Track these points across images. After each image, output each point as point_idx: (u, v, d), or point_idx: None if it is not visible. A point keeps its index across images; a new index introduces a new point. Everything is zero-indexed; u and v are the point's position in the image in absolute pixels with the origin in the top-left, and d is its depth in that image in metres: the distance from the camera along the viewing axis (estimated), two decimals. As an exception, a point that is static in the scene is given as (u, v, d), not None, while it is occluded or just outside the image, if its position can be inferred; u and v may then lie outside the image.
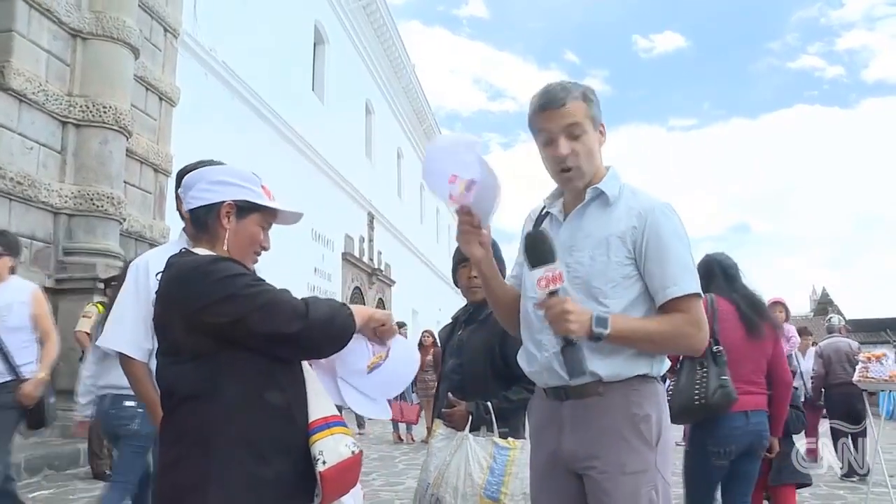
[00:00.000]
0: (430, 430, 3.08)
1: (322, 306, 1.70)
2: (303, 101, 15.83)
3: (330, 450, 1.64)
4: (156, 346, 2.30)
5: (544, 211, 2.07)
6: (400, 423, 11.23)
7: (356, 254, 19.02)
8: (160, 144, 9.86)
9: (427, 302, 26.47)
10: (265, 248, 1.85)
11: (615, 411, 1.86)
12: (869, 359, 5.60)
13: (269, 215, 1.83)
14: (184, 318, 1.65)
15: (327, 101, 17.31)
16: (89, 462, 6.45)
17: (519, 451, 2.58)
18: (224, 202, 1.76)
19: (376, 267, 20.89)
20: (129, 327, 2.45)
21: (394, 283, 23.05)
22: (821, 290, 41.99)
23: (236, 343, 1.63)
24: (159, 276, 1.78)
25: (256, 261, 1.85)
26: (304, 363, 1.79)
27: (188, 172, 2.45)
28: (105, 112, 8.12)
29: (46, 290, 7.54)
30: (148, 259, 2.52)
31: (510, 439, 2.64)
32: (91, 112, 8.07)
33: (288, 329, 1.62)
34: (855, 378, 5.63)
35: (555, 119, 1.90)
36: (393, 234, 23.72)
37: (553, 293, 1.76)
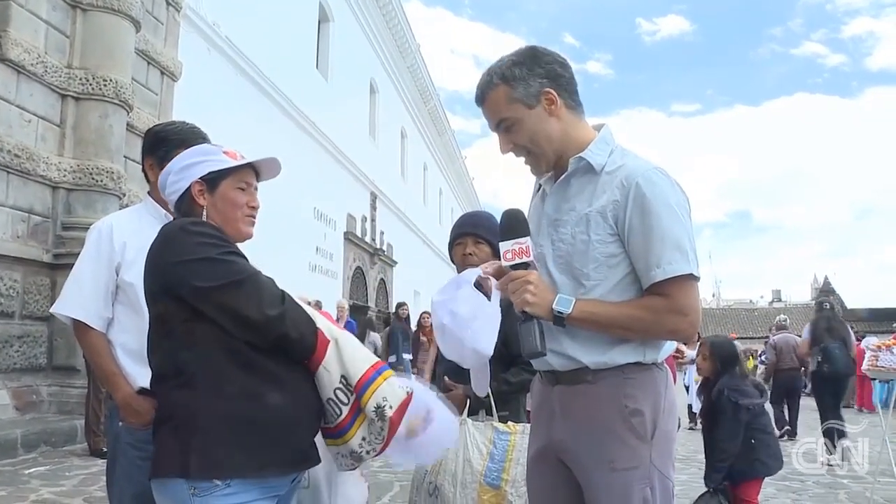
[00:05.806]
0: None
1: (298, 310, 1.68)
2: (307, 79, 15.65)
3: (391, 394, 1.69)
4: (115, 315, 2.21)
5: (539, 187, 1.93)
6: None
7: (358, 233, 18.93)
8: (161, 119, 9.70)
9: (429, 283, 26.35)
10: (254, 207, 1.84)
11: (605, 402, 1.70)
12: (880, 347, 5.50)
13: (243, 175, 1.83)
14: (163, 276, 1.66)
15: (331, 79, 17.12)
16: (86, 438, 6.40)
17: (520, 436, 2.45)
18: (192, 183, 1.79)
19: (378, 247, 20.81)
20: (88, 294, 2.16)
21: (396, 263, 22.97)
22: (822, 279, 41.84)
23: (205, 314, 1.62)
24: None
25: (252, 223, 1.84)
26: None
27: (155, 133, 2.38)
28: (105, 85, 7.98)
29: (44, 264, 7.50)
30: (112, 223, 2.26)
31: (510, 423, 2.52)
32: (91, 85, 7.94)
33: (267, 311, 1.62)
34: (864, 367, 5.55)
35: (486, 116, 1.84)
36: (396, 214, 23.60)
37: (519, 266, 1.72)
